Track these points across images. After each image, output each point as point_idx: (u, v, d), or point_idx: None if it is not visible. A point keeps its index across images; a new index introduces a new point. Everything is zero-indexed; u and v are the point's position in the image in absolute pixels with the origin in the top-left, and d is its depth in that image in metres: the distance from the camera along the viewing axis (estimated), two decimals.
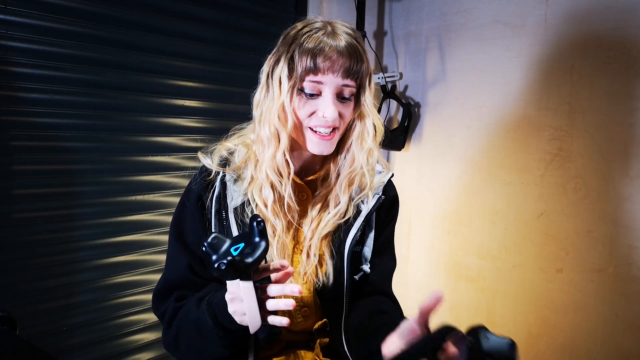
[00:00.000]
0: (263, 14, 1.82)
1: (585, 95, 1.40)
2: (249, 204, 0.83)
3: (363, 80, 0.79)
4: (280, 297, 0.65)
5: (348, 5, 1.92)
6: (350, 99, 0.79)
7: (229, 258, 0.58)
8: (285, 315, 0.84)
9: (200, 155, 0.86)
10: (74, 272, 1.44)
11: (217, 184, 0.82)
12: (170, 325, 0.81)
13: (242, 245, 0.60)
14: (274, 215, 0.81)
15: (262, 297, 0.64)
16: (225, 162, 0.85)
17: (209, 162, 0.84)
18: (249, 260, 0.59)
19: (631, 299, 1.32)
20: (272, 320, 0.63)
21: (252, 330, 0.63)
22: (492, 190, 1.63)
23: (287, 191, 0.80)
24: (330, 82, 0.75)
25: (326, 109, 0.75)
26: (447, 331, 0.58)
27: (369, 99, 0.81)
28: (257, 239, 0.61)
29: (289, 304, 0.63)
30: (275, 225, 0.81)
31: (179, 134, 1.63)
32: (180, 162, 1.63)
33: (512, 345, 0.56)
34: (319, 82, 0.75)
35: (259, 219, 0.62)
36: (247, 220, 0.81)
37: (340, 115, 0.78)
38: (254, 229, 0.61)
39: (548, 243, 1.49)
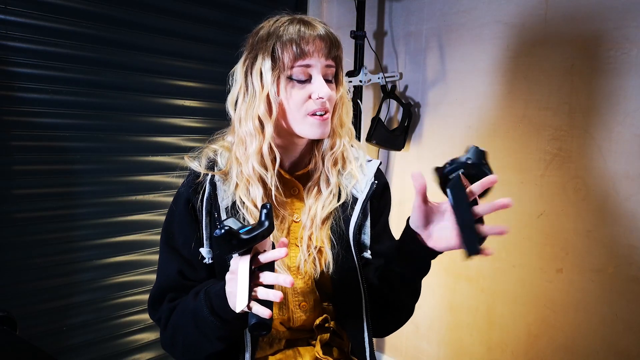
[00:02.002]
0: (263, 14, 1.81)
1: (585, 95, 1.40)
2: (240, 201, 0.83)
3: (340, 63, 0.84)
4: (273, 287, 0.65)
5: (348, 5, 1.92)
6: (332, 80, 0.83)
7: (227, 227, 0.61)
8: (284, 312, 0.85)
9: (186, 158, 0.87)
10: (74, 272, 1.44)
11: (207, 184, 0.83)
12: (166, 326, 0.81)
13: (250, 227, 0.64)
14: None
15: (256, 283, 0.65)
16: (212, 164, 0.86)
17: (197, 164, 0.85)
18: (247, 235, 0.62)
19: (631, 299, 1.32)
20: (256, 309, 0.63)
21: (237, 309, 0.63)
22: (492, 190, 1.63)
23: (274, 182, 0.82)
24: (317, 63, 0.78)
25: (320, 89, 0.78)
26: (461, 191, 0.68)
27: (345, 80, 0.87)
28: (261, 220, 0.64)
29: (277, 296, 0.63)
30: None
31: (179, 134, 1.63)
32: (180, 162, 1.62)
33: (476, 147, 0.70)
34: (307, 66, 0.78)
35: (266, 204, 0.66)
36: (242, 218, 0.82)
37: (329, 98, 0.81)
38: (261, 213, 0.65)
39: (548, 243, 1.49)
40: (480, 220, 0.68)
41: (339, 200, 0.87)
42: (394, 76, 1.88)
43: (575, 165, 1.43)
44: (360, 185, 0.88)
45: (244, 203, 0.81)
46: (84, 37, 1.38)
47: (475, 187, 0.68)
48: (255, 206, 0.81)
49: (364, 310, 0.85)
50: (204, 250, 0.82)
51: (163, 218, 0.88)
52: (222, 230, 0.61)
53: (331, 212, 0.86)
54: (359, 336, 0.85)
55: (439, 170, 0.70)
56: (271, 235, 0.68)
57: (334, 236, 0.85)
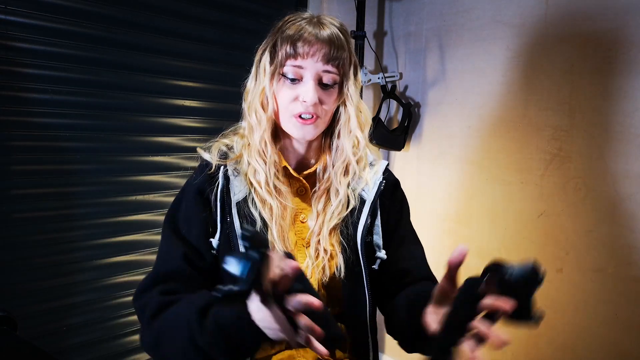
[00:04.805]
0: (263, 14, 1.82)
1: (585, 95, 1.40)
2: (250, 197, 0.83)
3: (346, 69, 0.82)
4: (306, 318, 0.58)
5: (348, 5, 1.92)
6: (332, 86, 0.81)
7: (220, 293, 0.52)
8: None
9: (199, 150, 0.87)
10: (74, 272, 1.43)
11: (221, 177, 0.82)
12: (151, 324, 0.73)
13: (248, 271, 0.51)
14: (269, 195, 0.82)
15: (292, 317, 0.57)
16: (225, 157, 0.86)
17: (209, 156, 0.85)
18: (246, 286, 0.51)
19: (631, 299, 1.32)
20: (316, 348, 0.59)
21: (294, 345, 0.59)
22: (492, 191, 1.63)
23: (272, 172, 0.82)
24: (310, 67, 0.78)
25: (306, 93, 0.78)
26: (476, 283, 0.60)
27: (352, 88, 0.84)
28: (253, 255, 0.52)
29: (321, 333, 0.58)
30: (272, 205, 0.82)
31: (179, 134, 1.63)
32: (180, 162, 1.63)
33: (536, 266, 0.54)
34: (299, 67, 0.78)
35: (244, 232, 0.53)
36: (250, 214, 0.81)
37: (321, 102, 0.80)
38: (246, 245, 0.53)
39: (548, 243, 1.49)
40: (463, 330, 0.58)
41: (347, 207, 0.86)
42: (394, 76, 1.88)
43: (575, 165, 1.43)
44: (368, 186, 0.88)
45: (251, 183, 0.82)
46: (84, 37, 1.38)
47: (489, 303, 0.58)
48: (260, 187, 0.82)
49: (368, 314, 0.84)
50: (215, 241, 0.81)
51: (163, 218, 0.87)
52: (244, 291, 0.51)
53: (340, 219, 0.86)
54: (363, 339, 0.85)
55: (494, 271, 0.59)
56: (278, 243, 0.64)
57: (344, 240, 0.85)
